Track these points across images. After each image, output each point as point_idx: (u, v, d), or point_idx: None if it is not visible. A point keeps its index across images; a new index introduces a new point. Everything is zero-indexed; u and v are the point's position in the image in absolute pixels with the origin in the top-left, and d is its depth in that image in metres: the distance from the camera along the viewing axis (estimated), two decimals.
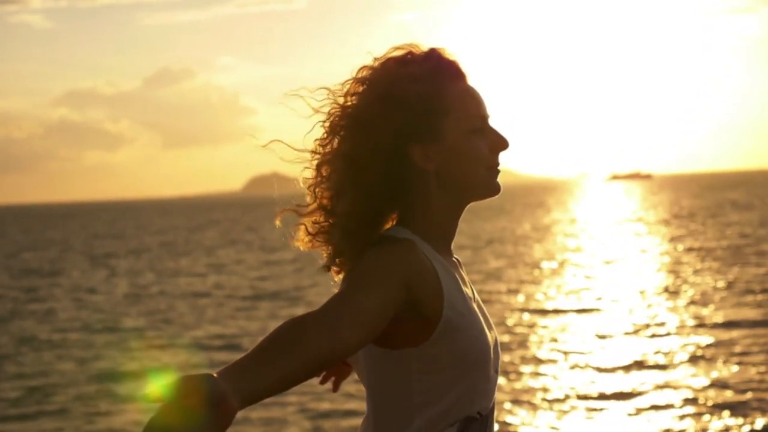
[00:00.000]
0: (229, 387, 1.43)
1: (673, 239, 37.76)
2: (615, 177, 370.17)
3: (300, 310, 21.31)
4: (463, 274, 1.96)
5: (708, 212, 58.03)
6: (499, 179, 1.94)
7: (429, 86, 1.87)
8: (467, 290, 1.91)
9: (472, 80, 1.93)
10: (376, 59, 1.90)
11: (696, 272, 24.97)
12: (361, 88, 1.88)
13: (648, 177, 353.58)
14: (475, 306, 1.89)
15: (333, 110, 1.89)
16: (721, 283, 22.09)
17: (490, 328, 1.92)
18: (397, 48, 1.91)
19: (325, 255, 1.92)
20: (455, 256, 1.98)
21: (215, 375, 1.44)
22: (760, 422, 10.46)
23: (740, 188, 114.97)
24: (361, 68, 1.90)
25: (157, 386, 1.41)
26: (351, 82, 1.90)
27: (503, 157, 1.94)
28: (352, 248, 1.87)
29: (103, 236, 66.01)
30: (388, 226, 1.94)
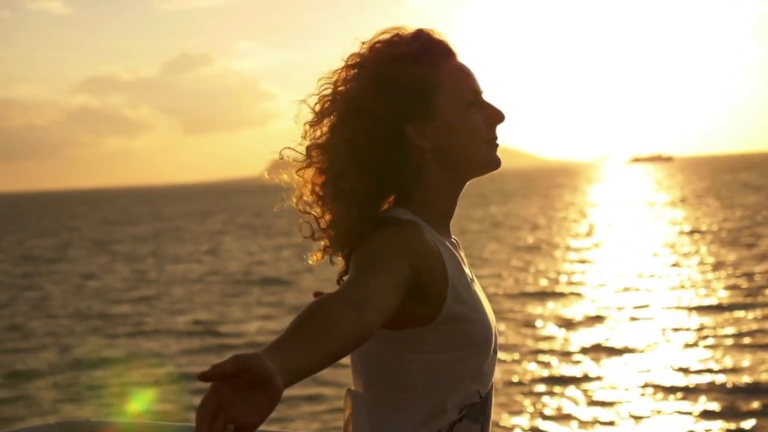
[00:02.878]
0: (275, 366, 1.43)
1: (675, 222, 37.74)
2: (636, 159, 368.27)
3: (290, 296, 21.48)
4: (462, 255, 1.95)
5: (716, 195, 57.83)
6: (499, 153, 1.92)
7: (419, 64, 1.87)
8: (468, 272, 1.90)
9: (463, 58, 1.93)
10: (363, 43, 1.91)
11: (685, 255, 25.01)
12: (352, 73, 1.88)
13: (669, 159, 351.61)
14: (475, 287, 1.90)
15: (324, 96, 1.90)
16: (706, 267, 22.11)
17: (489, 309, 1.93)
18: (384, 32, 1.91)
19: (321, 241, 1.91)
20: (453, 237, 1.96)
21: (262, 354, 1.44)
22: (712, 405, 10.56)
23: (757, 170, 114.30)
24: (351, 55, 1.90)
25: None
26: (342, 68, 1.90)
27: (501, 131, 1.92)
28: (349, 231, 1.86)
29: (115, 222, 66.43)
30: (384, 207, 1.92)
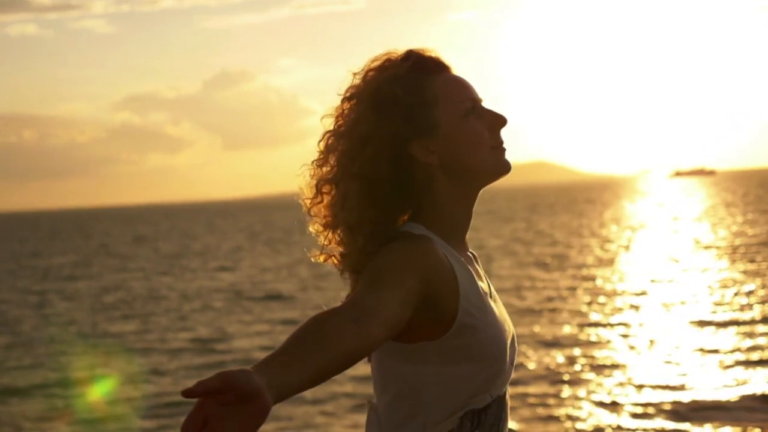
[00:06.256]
0: (264, 382, 1.43)
1: (692, 237, 37.54)
2: (678, 173, 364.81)
3: (294, 313, 21.61)
4: (479, 268, 1.97)
5: (743, 210, 57.31)
6: (508, 157, 1.94)
7: (413, 82, 1.90)
8: (483, 285, 1.92)
9: (458, 71, 1.95)
10: (356, 74, 1.94)
11: (686, 271, 24.93)
12: (350, 105, 1.92)
13: (711, 173, 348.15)
14: (491, 301, 1.91)
15: (328, 131, 1.93)
16: (705, 283, 22.03)
17: (506, 322, 1.94)
18: (375, 59, 1.94)
19: (337, 262, 1.93)
20: (471, 250, 1.98)
21: (250, 370, 1.45)
22: (671, 424, 10.56)
23: None
24: (347, 88, 1.94)
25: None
26: (340, 102, 1.93)
27: (506, 134, 1.94)
28: (366, 254, 1.87)
29: (145, 239, 67.05)
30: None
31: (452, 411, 1.85)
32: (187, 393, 1.38)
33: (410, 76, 1.90)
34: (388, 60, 1.93)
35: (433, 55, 1.94)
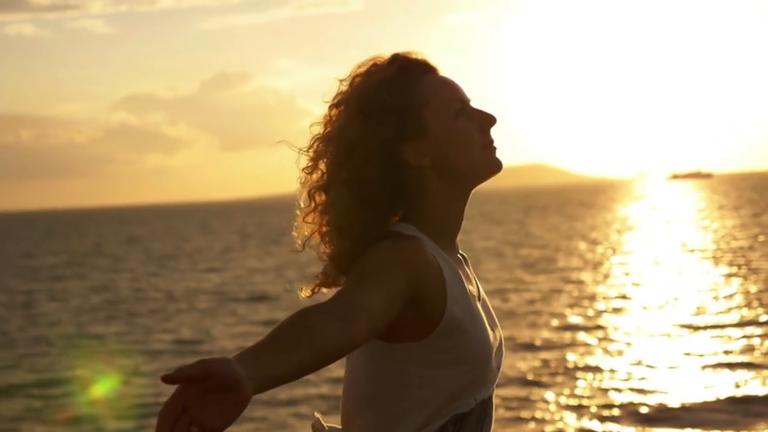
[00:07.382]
0: (245, 372, 1.44)
1: (678, 242, 37.64)
2: (675, 176, 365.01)
3: (279, 314, 21.67)
4: (468, 270, 1.96)
5: (734, 215, 57.41)
6: (499, 155, 1.95)
7: (400, 85, 1.89)
8: (472, 288, 1.91)
9: (456, 73, 1.96)
10: (342, 81, 1.93)
11: (668, 276, 24.98)
12: (337, 111, 1.91)
13: (708, 176, 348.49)
14: (479, 304, 1.90)
15: (316, 138, 1.93)
16: (686, 286, 22.11)
17: (494, 325, 1.93)
18: (361, 65, 1.93)
19: (326, 290, 1.93)
20: (461, 252, 1.97)
21: (232, 359, 1.45)
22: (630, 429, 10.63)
23: None
24: (334, 95, 1.93)
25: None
26: (328, 109, 1.93)
27: (504, 136, 1.97)
28: (355, 254, 1.85)
29: (138, 240, 67.05)
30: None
31: (435, 413, 1.85)
32: (167, 379, 1.39)
33: (397, 79, 1.90)
34: (374, 65, 1.93)
35: (419, 57, 1.94)
